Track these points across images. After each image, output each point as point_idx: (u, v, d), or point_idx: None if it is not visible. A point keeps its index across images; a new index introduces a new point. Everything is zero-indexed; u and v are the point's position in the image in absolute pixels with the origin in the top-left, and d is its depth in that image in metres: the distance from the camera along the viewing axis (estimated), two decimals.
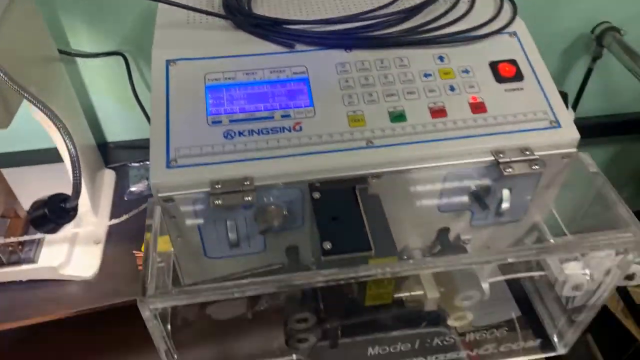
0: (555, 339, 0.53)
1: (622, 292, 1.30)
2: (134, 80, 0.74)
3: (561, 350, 0.53)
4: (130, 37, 0.71)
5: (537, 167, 0.45)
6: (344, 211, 0.42)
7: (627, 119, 0.90)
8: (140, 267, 0.63)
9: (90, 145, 0.73)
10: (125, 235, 0.68)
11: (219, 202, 0.41)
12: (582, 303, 0.48)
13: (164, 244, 0.48)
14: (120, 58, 0.72)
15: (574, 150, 0.47)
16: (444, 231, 0.52)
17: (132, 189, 0.74)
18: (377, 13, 0.53)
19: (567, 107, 0.86)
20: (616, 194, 0.44)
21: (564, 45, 0.82)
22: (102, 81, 0.76)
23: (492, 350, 0.51)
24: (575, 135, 0.47)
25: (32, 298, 0.61)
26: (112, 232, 0.69)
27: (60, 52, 0.65)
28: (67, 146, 0.41)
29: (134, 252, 0.65)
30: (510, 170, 0.44)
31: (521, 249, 0.41)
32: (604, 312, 1.35)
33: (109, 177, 0.76)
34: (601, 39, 0.77)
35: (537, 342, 0.53)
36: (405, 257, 0.50)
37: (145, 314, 0.37)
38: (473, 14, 0.55)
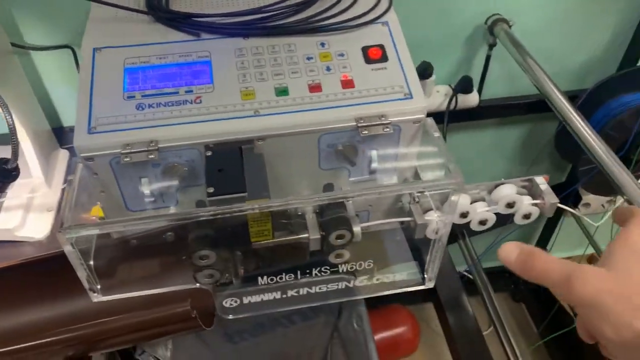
0: (425, 275, 0.64)
1: None
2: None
3: (428, 284, 0.64)
4: (78, 32, 0.81)
5: (388, 129, 0.56)
6: (228, 165, 0.53)
7: (530, 101, 1.02)
8: None
9: (45, 129, 0.83)
10: (76, 204, 0.78)
11: (128, 159, 0.52)
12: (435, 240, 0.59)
13: (96, 211, 0.59)
14: (69, 51, 0.82)
15: (422, 116, 0.58)
16: (328, 186, 0.63)
17: None
18: (274, 7, 0.64)
19: (472, 90, 0.98)
20: (448, 152, 0.55)
21: (465, 35, 0.93)
22: (55, 71, 0.86)
23: (366, 282, 0.61)
24: (423, 104, 0.58)
25: None
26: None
27: (13, 45, 0.75)
28: (5, 117, 0.52)
29: (83, 215, 0.75)
30: (366, 132, 0.55)
31: (365, 189, 0.51)
32: (535, 284, 1.47)
33: (63, 156, 0.86)
34: (492, 29, 0.88)
35: (409, 276, 0.64)
36: None
37: (64, 243, 0.47)
38: (355, 6, 0.65)
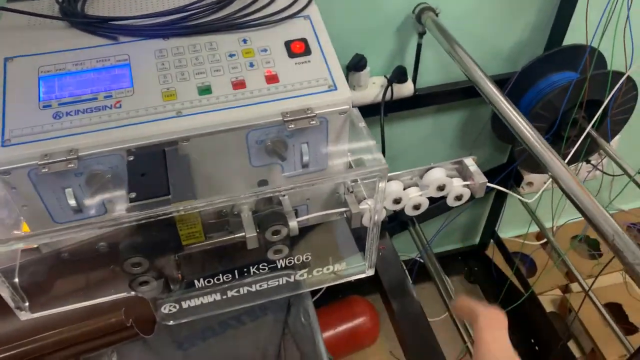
0: (365, 263, 0.64)
1: (499, 244, 1.47)
2: None
3: (368, 272, 0.64)
4: None
5: (313, 122, 0.56)
6: (151, 168, 0.52)
7: (464, 86, 1.04)
8: None
9: None
10: None
11: (46, 170, 0.50)
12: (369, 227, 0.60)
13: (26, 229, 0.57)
14: None
15: (347, 107, 0.58)
16: (262, 182, 0.62)
17: None
18: (193, 6, 0.63)
19: (406, 79, 0.99)
20: (372, 141, 0.55)
21: (396, 25, 0.94)
22: None
23: (307, 275, 0.62)
24: (348, 94, 0.58)
25: None
26: None
27: None
28: None
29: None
30: (292, 126, 0.55)
31: (299, 183, 0.51)
32: (487, 266, 1.51)
33: None
34: (420, 18, 0.89)
35: (355, 267, 0.65)
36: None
37: None
38: (276, 1, 0.65)
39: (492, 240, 1.52)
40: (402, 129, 1.13)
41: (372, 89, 0.97)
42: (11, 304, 0.50)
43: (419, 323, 0.68)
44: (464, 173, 0.67)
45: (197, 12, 0.62)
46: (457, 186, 0.65)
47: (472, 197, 0.67)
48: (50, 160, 0.51)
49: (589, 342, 1.32)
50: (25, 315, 0.52)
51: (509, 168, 1.17)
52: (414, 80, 0.99)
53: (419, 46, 0.95)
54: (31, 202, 0.54)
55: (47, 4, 0.65)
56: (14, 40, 0.59)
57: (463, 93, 1.06)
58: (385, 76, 0.98)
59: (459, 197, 0.66)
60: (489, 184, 0.65)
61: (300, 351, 0.77)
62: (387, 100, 0.97)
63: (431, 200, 0.66)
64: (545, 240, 1.56)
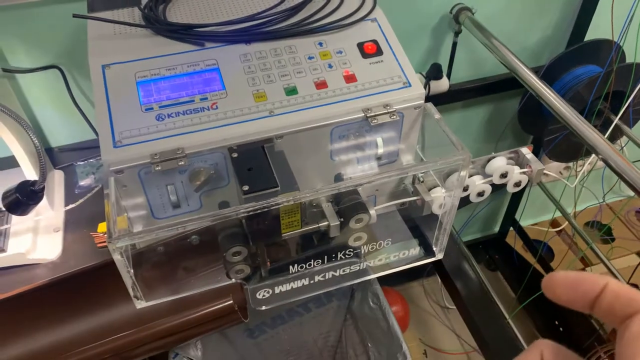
0: (434, 248, 0.69)
1: (520, 232, 1.53)
2: (71, 90, 0.84)
3: (439, 255, 0.69)
4: (64, 51, 0.82)
5: (394, 117, 0.61)
6: (256, 163, 0.56)
7: (491, 82, 1.10)
8: (98, 245, 0.74)
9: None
10: (80, 222, 0.79)
11: (159, 168, 0.54)
12: (442, 214, 0.64)
13: (122, 222, 0.61)
14: (57, 71, 0.82)
15: (421, 102, 0.63)
16: (338, 176, 0.67)
17: (81, 183, 0.84)
18: (268, 12, 0.67)
19: (442, 76, 1.04)
20: (450, 131, 0.60)
21: (432, 24, 0.99)
22: (41, 93, 0.85)
23: (385, 260, 0.66)
24: (421, 91, 0.63)
25: (6, 281, 0.71)
26: (68, 221, 0.79)
27: (2, 69, 0.75)
28: (32, 140, 0.53)
29: (91, 233, 0.76)
30: (375, 121, 0.60)
31: (382, 173, 0.56)
32: (508, 252, 1.58)
33: (58, 176, 0.86)
34: (457, 17, 0.95)
35: (421, 251, 0.70)
36: None
37: (114, 252, 0.49)
38: (343, 6, 0.70)
39: (511, 229, 1.58)
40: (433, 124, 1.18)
41: (419, 82, 1.02)
42: (131, 293, 0.54)
43: (485, 302, 0.73)
44: (520, 161, 0.72)
45: (274, 18, 0.67)
46: (517, 173, 0.70)
47: (512, 195, 0.72)
48: (161, 159, 0.55)
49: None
50: (141, 304, 0.56)
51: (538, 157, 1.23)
52: (449, 77, 1.05)
53: (455, 44, 1.00)
54: (137, 199, 0.58)
55: (127, 13, 0.69)
56: (106, 48, 0.63)
57: (491, 88, 1.12)
58: (421, 73, 1.03)
59: (517, 184, 0.71)
60: (545, 172, 0.70)
61: (362, 335, 0.82)
62: (425, 96, 1.01)
63: None
64: (561, 227, 1.63)
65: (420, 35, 1.01)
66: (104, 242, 0.61)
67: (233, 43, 0.64)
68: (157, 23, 0.66)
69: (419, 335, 1.48)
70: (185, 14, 0.68)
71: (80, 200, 0.78)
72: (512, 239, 1.56)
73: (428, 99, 1.04)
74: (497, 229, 1.65)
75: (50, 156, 0.87)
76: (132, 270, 0.55)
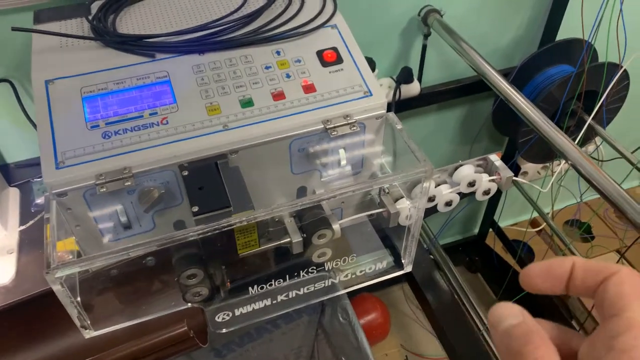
0: (403, 260, 0.67)
1: (500, 234, 1.52)
2: (24, 104, 0.80)
3: (407, 268, 0.67)
4: (14, 64, 0.78)
5: (355, 127, 0.58)
6: (208, 182, 0.53)
7: (465, 84, 1.08)
8: None
9: None
10: (36, 243, 0.75)
11: (104, 190, 0.51)
12: (409, 225, 0.62)
13: (70, 246, 0.58)
14: (8, 84, 0.78)
15: (383, 111, 0.61)
16: (301, 189, 0.64)
17: (38, 201, 0.81)
18: (223, 21, 0.65)
19: (413, 80, 1.02)
20: (414, 142, 0.58)
21: (401, 27, 0.97)
22: None
23: (354, 274, 0.64)
24: (383, 100, 0.61)
25: None
26: (23, 241, 0.75)
27: None
28: None
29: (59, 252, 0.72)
30: (335, 132, 0.58)
31: (343, 188, 0.53)
32: (488, 254, 1.56)
33: (13, 194, 0.82)
34: (426, 19, 0.92)
35: (391, 262, 0.67)
36: None
37: (53, 283, 0.46)
38: (302, 12, 0.67)
39: (491, 230, 1.57)
40: (406, 128, 1.15)
41: (381, 90, 0.99)
42: (77, 323, 0.51)
43: (455, 310, 0.71)
44: (488, 168, 0.70)
45: (229, 27, 0.64)
46: (485, 181, 0.68)
47: (498, 191, 0.70)
48: (106, 180, 0.52)
49: (591, 322, 1.37)
50: (89, 334, 0.53)
51: (512, 160, 1.22)
52: (420, 80, 1.03)
53: (424, 47, 0.98)
54: (84, 222, 0.55)
55: (75, 24, 0.66)
56: (50, 63, 0.60)
57: (464, 90, 1.10)
58: (392, 77, 1.01)
59: (487, 192, 0.69)
60: (514, 178, 0.68)
61: (335, 350, 0.79)
62: (395, 100, 0.99)
63: None
64: (540, 227, 1.62)
65: (389, 39, 0.98)
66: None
67: (186, 54, 0.61)
68: (106, 34, 0.63)
69: (401, 341, 1.46)
70: (137, 25, 0.65)
71: (36, 219, 0.74)
72: (492, 240, 1.55)
73: (400, 103, 1.02)
74: (476, 230, 1.64)
75: (5, 173, 0.83)
76: (78, 299, 0.51)
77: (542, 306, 1.39)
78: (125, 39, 0.62)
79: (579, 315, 1.43)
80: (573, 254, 1.33)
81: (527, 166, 1.37)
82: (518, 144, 1.09)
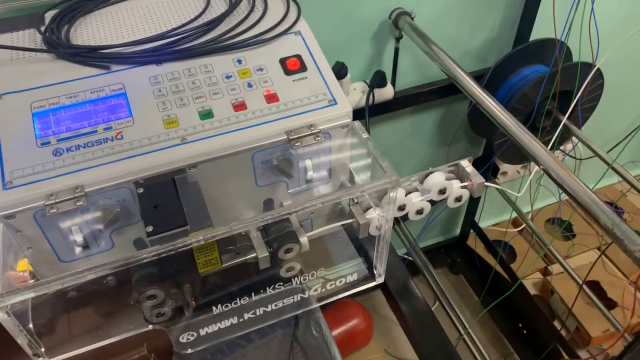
0: (374, 271, 0.65)
1: (480, 235, 1.51)
2: None
3: (379, 279, 0.65)
4: None
5: (319, 138, 0.56)
6: (164, 199, 0.51)
7: (439, 86, 1.07)
8: None
9: None
10: None
11: (54, 210, 0.49)
12: (379, 236, 0.60)
13: (23, 267, 0.55)
14: None
15: (349, 120, 0.59)
16: (268, 201, 0.62)
17: None
18: (182, 29, 0.62)
19: (386, 84, 1.01)
20: (379, 152, 0.56)
21: (372, 31, 0.96)
22: None
23: (321, 289, 0.62)
24: (348, 108, 0.59)
25: None
26: None
27: None
28: None
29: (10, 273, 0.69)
30: (298, 144, 0.56)
31: (308, 201, 0.52)
32: (470, 255, 1.56)
33: None
34: (397, 22, 0.91)
35: (360, 275, 0.66)
36: None
37: None
38: (265, 19, 0.65)
39: (472, 231, 1.56)
40: (382, 131, 1.15)
41: (354, 95, 0.98)
42: (29, 352, 0.49)
43: (427, 320, 0.70)
44: (460, 174, 0.68)
45: (187, 35, 0.62)
46: (456, 188, 0.66)
47: (470, 198, 0.68)
48: (56, 200, 0.49)
49: (573, 321, 1.37)
50: None
51: (489, 162, 1.21)
52: (393, 84, 1.01)
53: (397, 50, 0.96)
54: (36, 243, 0.53)
55: (27, 36, 0.63)
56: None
57: (439, 92, 1.09)
58: (364, 81, 0.99)
59: (458, 199, 0.67)
60: (485, 184, 0.67)
61: None
62: (369, 104, 0.98)
63: None
64: (522, 227, 1.62)
65: (361, 43, 0.97)
66: (23, 282, 0.55)
67: (142, 64, 0.59)
68: (59, 46, 0.60)
69: (384, 345, 1.44)
70: (92, 36, 0.63)
71: None
72: (474, 241, 1.54)
73: (373, 107, 1.01)
74: (457, 231, 1.63)
75: None
76: (30, 326, 0.49)
77: (524, 307, 1.39)
78: (79, 50, 0.59)
79: (561, 314, 1.43)
80: (552, 254, 1.33)
81: (506, 166, 1.36)
82: (494, 145, 1.08)
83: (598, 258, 1.41)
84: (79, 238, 0.53)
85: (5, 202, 0.49)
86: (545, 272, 1.56)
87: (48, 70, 0.58)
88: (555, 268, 1.51)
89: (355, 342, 1.37)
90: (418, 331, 0.67)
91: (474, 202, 1.48)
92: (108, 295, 0.55)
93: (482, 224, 1.60)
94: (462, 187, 0.67)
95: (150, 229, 0.48)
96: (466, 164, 0.67)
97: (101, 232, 0.54)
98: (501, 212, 1.66)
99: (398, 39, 0.94)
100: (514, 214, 1.55)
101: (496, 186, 0.73)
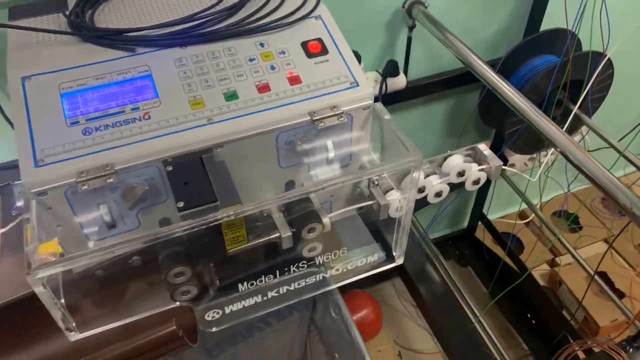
0: (394, 253, 0.66)
1: (489, 226, 1.52)
2: (1, 104, 0.78)
3: (399, 261, 0.66)
4: None
5: (342, 119, 0.57)
6: (193, 177, 0.52)
7: (450, 76, 1.07)
8: None
9: None
10: (18, 246, 0.73)
11: (85, 187, 0.50)
12: (399, 217, 0.61)
13: (52, 247, 0.56)
14: None
15: (370, 102, 0.60)
16: (289, 183, 0.63)
17: (19, 204, 0.78)
18: (205, 13, 0.63)
19: (398, 73, 1.02)
20: (401, 132, 0.57)
21: (385, 20, 0.96)
22: None
23: (345, 268, 0.63)
24: (370, 90, 0.60)
25: None
26: (4, 245, 0.73)
27: None
28: None
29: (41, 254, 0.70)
30: (322, 124, 0.57)
31: (331, 180, 0.52)
32: (478, 247, 1.56)
33: None
34: (410, 11, 0.92)
35: (383, 255, 0.66)
36: None
37: (35, 284, 0.44)
38: (286, 3, 0.66)
39: (480, 223, 1.57)
40: None
41: (367, 81, 0.98)
42: (61, 325, 0.50)
43: (449, 302, 0.71)
44: (478, 158, 0.69)
45: (211, 19, 0.62)
46: (475, 171, 0.67)
47: (486, 183, 0.69)
48: (88, 177, 0.50)
49: (581, 312, 1.38)
50: (74, 336, 0.51)
51: (498, 153, 1.22)
52: (405, 73, 1.02)
53: (409, 39, 0.97)
54: (66, 221, 0.54)
55: (52, 20, 0.64)
56: (27, 59, 0.58)
57: (450, 82, 1.10)
58: (377, 71, 1.00)
59: (476, 182, 0.68)
60: (503, 167, 0.68)
61: (328, 347, 0.78)
62: (382, 94, 0.99)
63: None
64: (529, 219, 1.63)
65: (374, 32, 0.98)
66: None
67: (167, 47, 0.60)
68: (84, 29, 0.61)
69: (393, 336, 1.45)
70: (116, 19, 0.64)
71: (16, 221, 0.72)
72: (482, 233, 1.55)
73: (386, 96, 1.02)
74: (465, 224, 1.64)
75: None
76: (62, 301, 0.50)
77: (532, 297, 1.39)
78: (104, 33, 0.60)
79: (569, 305, 1.44)
80: (562, 244, 1.34)
81: (515, 158, 1.37)
82: (505, 135, 1.09)
83: (608, 249, 1.41)
84: (107, 216, 0.54)
85: (38, 179, 0.50)
86: (553, 263, 1.57)
87: (74, 53, 0.59)
88: (563, 259, 1.52)
89: (365, 332, 1.37)
90: (437, 311, 0.68)
91: (481, 194, 1.49)
92: (133, 275, 0.56)
93: (490, 217, 1.61)
94: (480, 170, 0.68)
95: (181, 204, 0.49)
96: (484, 147, 0.68)
97: (130, 210, 0.54)
98: (508, 204, 1.67)
99: (411, 28, 0.95)
100: (521, 207, 1.55)
101: (513, 170, 0.74)
